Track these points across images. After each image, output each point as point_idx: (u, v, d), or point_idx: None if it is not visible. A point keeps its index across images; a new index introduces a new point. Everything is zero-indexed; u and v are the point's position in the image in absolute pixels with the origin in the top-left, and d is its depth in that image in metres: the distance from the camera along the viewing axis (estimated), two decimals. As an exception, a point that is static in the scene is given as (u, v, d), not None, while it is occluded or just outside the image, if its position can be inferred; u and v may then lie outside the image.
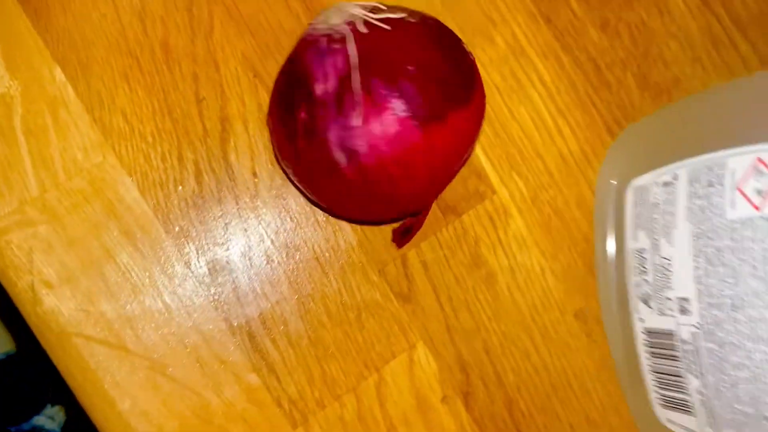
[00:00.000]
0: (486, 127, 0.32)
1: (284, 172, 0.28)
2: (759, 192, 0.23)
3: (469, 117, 0.26)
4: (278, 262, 0.30)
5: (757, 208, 0.23)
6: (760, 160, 0.23)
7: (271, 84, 0.30)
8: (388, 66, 0.24)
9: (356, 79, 0.24)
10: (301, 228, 0.30)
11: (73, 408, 0.67)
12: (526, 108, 0.33)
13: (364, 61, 0.24)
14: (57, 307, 0.28)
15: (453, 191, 0.32)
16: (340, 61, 0.24)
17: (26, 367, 0.68)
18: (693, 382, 0.26)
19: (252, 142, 0.30)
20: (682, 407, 0.27)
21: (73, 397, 0.28)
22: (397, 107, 0.24)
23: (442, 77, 0.25)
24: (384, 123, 0.24)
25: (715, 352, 0.25)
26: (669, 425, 0.28)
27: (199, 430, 0.29)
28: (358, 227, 0.31)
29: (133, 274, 0.29)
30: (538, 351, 0.32)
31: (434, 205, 0.32)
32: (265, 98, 0.30)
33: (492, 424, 0.31)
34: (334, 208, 0.27)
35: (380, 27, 0.25)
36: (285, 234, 0.30)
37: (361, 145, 0.24)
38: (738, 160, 0.24)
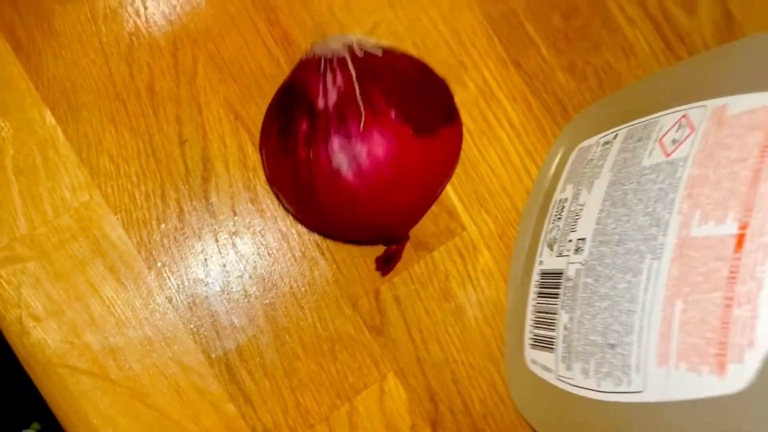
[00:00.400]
0: (457, 167, 0.34)
1: (275, 193, 0.30)
2: (674, 141, 0.24)
3: (454, 135, 0.29)
4: (255, 297, 0.31)
5: (667, 154, 0.24)
6: (685, 116, 0.25)
7: (251, 125, 0.32)
8: (384, 84, 0.27)
9: (357, 92, 0.26)
10: (278, 263, 0.32)
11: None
12: (495, 148, 0.35)
13: (361, 79, 0.26)
14: (44, 339, 0.29)
15: (425, 228, 0.34)
16: (339, 78, 0.27)
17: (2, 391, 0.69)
18: (563, 318, 0.27)
19: (232, 182, 0.32)
20: (547, 345, 0.28)
21: (51, 420, 0.30)
22: (396, 118, 0.26)
23: (431, 96, 0.28)
24: (384, 131, 0.26)
25: (589, 286, 0.26)
26: (531, 366, 0.29)
27: (177, 456, 0.30)
28: (333, 262, 0.32)
29: (116, 307, 0.30)
30: (504, 381, 0.34)
31: (408, 243, 0.33)
32: (246, 140, 0.32)
33: (459, 452, 0.33)
34: (326, 222, 0.28)
35: (373, 53, 0.27)
36: (262, 269, 0.32)
37: (362, 151, 0.26)
38: (667, 118, 0.26)
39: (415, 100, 0.27)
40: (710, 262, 0.21)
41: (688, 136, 0.25)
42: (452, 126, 0.29)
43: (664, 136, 0.26)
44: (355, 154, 0.25)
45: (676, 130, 0.25)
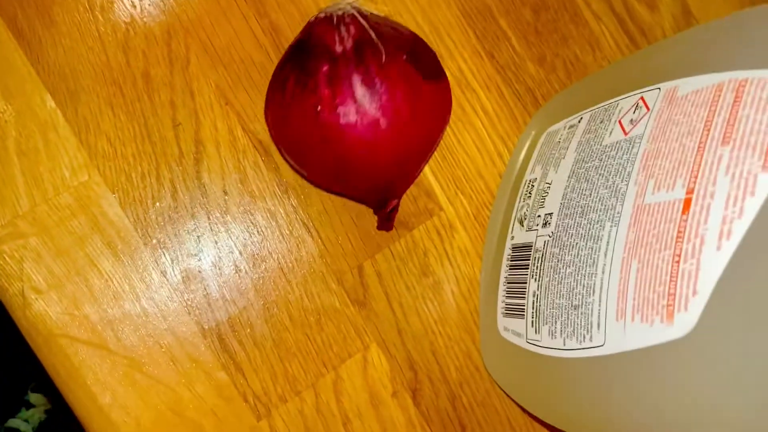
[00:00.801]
0: (435, 152, 0.36)
1: (282, 147, 0.31)
2: (632, 121, 0.27)
3: (447, 88, 0.32)
4: (245, 272, 0.33)
5: (626, 133, 0.27)
6: (642, 99, 0.27)
7: (240, 110, 0.34)
8: (390, 36, 0.30)
9: (373, 35, 0.29)
10: (267, 241, 0.34)
11: (55, 406, 0.70)
12: (470, 134, 0.37)
13: (372, 29, 0.29)
14: (45, 311, 0.31)
15: (405, 208, 0.36)
16: (353, 28, 0.29)
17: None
18: (532, 286, 0.29)
19: (223, 163, 0.33)
20: (518, 312, 0.31)
21: (54, 396, 0.31)
22: (407, 61, 0.29)
23: (427, 52, 0.31)
24: (400, 70, 0.29)
25: (555, 255, 0.28)
26: (503, 333, 0.32)
27: (172, 422, 0.32)
28: (319, 240, 0.34)
29: (114, 281, 0.32)
30: (478, 351, 0.36)
31: (388, 221, 0.36)
32: (236, 124, 0.34)
33: (437, 417, 0.35)
34: (339, 166, 0.30)
35: (375, 14, 0.30)
36: (252, 246, 0.34)
37: (382, 87, 0.28)
38: (626, 101, 0.28)
39: (417, 52, 0.30)
40: (661, 224, 0.23)
41: (643, 116, 0.27)
42: (446, 81, 0.32)
43: (623, 117, 0.28)
44: (377, 89, 0.28)
45: (634, 111, 0.28)
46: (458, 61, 0.37)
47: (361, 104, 0.28)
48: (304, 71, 0.29)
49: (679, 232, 0.23)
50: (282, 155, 0.33)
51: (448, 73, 0.37)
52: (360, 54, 0.28)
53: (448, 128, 0.37)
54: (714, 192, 0.22)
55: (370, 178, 0.30)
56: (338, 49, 0.28)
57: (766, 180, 0.20)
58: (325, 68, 0.28)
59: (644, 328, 0.23)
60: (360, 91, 0.28)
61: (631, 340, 0.24)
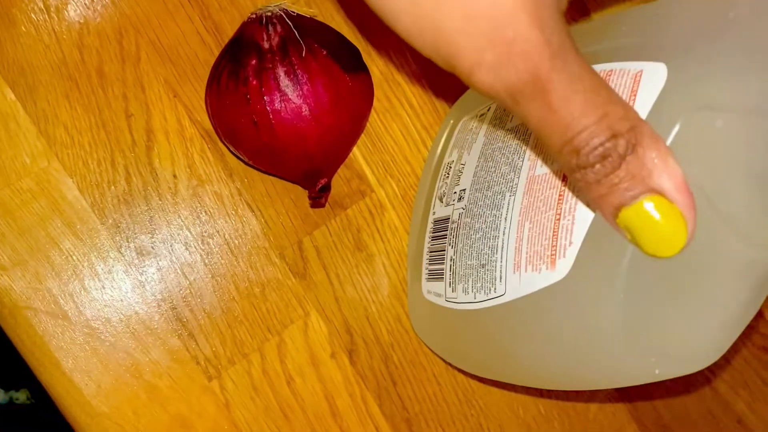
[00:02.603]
0: (365, 139, 0.41)
1: (219, 131, 0.35)
2: None
3: (368, 81, 0.36)
4: (195, 248, 0.37)
5: None
6: None
7: (187, 102, 0.37)
8: (314, 33, 0.34)
9: (296, 33, 0.33)
10: (214, 220, 0.38)
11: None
12: (397, 124, 0.42)
13: (296, 28, 0.34)
14: (10, 286, 0.34)
15: (339, 190, 0.40)
16: (279, 27, 0.33)
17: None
18: (449, 252, 0.34)
19: (172, 150, 0.37)
20: (438, 276, 0.35)
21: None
22: (327, 55, 0.33)
23: (349, 48, 0.36)
24: (320, 63, 0.33)
25: (467, 224, 0.33)
26: (427, 296, 0.36)
27: (130, 384, 0.35)
28: (262, 219, 0.38)
29: (74, 257, 0.35)
30: (407, 315, 0.40)
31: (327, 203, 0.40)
32: (183, 114, 0.37)
33: (371, 375, 0.39)
34: (269, 148, 0.34)
35: (302, 15, 0.35)
36: (200, 225, 0.37)
37: (303, 77, 0.32)
38: None
39: (338, 48, 0.34)
40: (547, 191, 0.28)
41: (537, 103, 0.32)
42: (367, 74, 0.37)
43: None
44: (299, 79, 0.32)
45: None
46: (385, 58, 0.42)
47: (285, 93, 0.32)
48: (236, 65, 0.33)
49: (560, 195, 0.28)
50: (221, 141, 0.37)
51: (376, 70, 0.41)
52: (284, 50, 0.32)
53: (377, 118, 0.41)
54: (585, 161, 0.27)
55: (299, 160, 0.34)
56: (266, 45, 0.32)
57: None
58: (253, 62, 0.32)
59: (534, 276, 0.28)
60: (284, 81, 0.32)
61: (524, 286, 0.29)
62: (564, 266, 0.27)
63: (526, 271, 0.29)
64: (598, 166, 0.21)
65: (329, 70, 0.33)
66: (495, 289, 0.31)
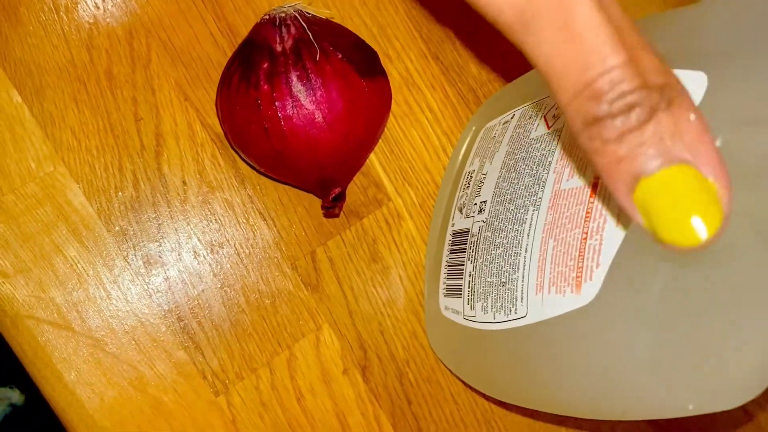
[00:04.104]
0: (383, 146, 0.39)
1: (230, 137, 0.34)
2: (554, 116, 0.30)
3: (386, 85, 0.35)
4: (204, 257, 0.36)
5: (549, 127, 0.30)
6: None
7: (199, 106, 0.36)
8: (329, 36, 0.32)
9: (311, 35, 0.31)
10: (224, 228, 0.36)
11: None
12: (416, 130, 0.40)
13: (311, 30, 0.32)
14: (12, 294, 0.33)
15: (355, 198, 0.38)
16: (293, 29, 0.32)
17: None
18: (468, 267, 0.32)
19: (182, 155, 0.36)
20: (456, 292, 0.33)
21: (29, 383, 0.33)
22: (342, 59, 0.32)
23: (366, 51, 0.34)
24: (334, 67, 0.31)
25: (488, 238, 0.31)
26: (444, 312, 0.34)
27: (134, 398, 0.34)
28: (274, 227, 0.37)
29: (78, 266, 0.34)
30: (424, 331, 0.39)
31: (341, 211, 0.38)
32: (194, 118, 0.36)
33: (385, 393, 0.38)
34: (281, 155, 0.32)
35: (318, 16, 0.33)
36: (210, 233, 0.36)
37: (317, 82, 0.31)
38: (550, 100, 0.32)
39: (354, 51, 0.32)
40: (573, 207, 0.26)
41: (564, 111, 0.30)
42: (384, 78, 0.35)
43: (547, 113, 0.31)
44: (312, 84, 0.30)
45: (556, 108, 0.31)
46: (405, 62, 0.40)
47: (297, 98, 0.30)
48: (247, 68, 0.31)
49: (587, 213, 0.26)
50: (231, 146, 0.36)
51: (395, 73, 0.40)
52: (298, 53, 0.31)
53: (395, 123, 0.39)
54: (615, 177, 0.25)
55: (311, 168, 0.32)
56: (278, 48, 0.31)
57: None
58: (265, 65, 0.31)
59: (558, 299, 0.26)
60: (296, 86, 0.30)
61: (548, 309, 0.27)
62: (590, 290, 0.25)
63: (549, 292, 0.27)
64: (621, 118, 0.16)
65: (344, 75, 0.31)
66: (516, 310, 0.29)
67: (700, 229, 0.17)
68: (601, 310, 0.24)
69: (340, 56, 0.31)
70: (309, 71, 0.30)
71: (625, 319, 0.23)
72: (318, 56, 0.31)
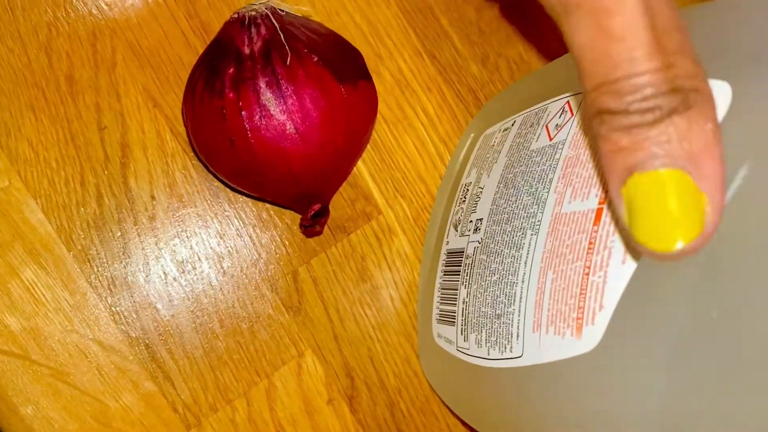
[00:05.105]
0: (372, 154, 0.36)
1: (196, 148, 0.30)
2: (557, 126, 0.26)
3: (371, 90, 0.31)
4: (174, 278, 0.33)
5: (551, 138, 0.26)
6: (568, 103, 0.27)
7: (169, 112, 0.33)
8: (305, 37, 0.29)
9: (282, 37, 0.28)
10: (196, 246, 0.33)
11: None
12: (410, 137, 0.36)
13: (284, 30, 0.28)
14: (-37, 321, 0.30)
15: (342, 212, 0.35)
16: (264, 29, 0.28)
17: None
18: (462, 293, 0.29)
19: (151, 167, 0.33)
20: (449, 319, 0.30)
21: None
22: (318, 62, 0.28)
23: (346, 56, 0.30)
24: (308, 72, 0.28)
25: (483, 261, 0.28)
26: (437, 340, 0.31)
27: (98, 433, 0.31)
28: (252, 244, 0.34)
29: (36, 289, 0.31)
30: (418, 357, 0.35)
31: (326, 226, 0.35)
32: (164, 126, 0.33)
33: (375, 425, 0.35)
34: (250, 169, 0.29)
35: (293, 14, 0.30)
36: (181, 252, 0.33)
37: (288, 89, 0.27)
38: (554, 105, 0.28)
39: (334, 54, 0.29)
40: (575, 234, 0.23)
41: (568, 121, 0.26)
42: (368, 82, 0.31)
43: (550, 121, 0.28)
44: (282, 92, 0.27)
45: (560, 116, 0.27)
46: (398, 61, 0.36)
47: (266, 108, 0.27)
48: (212, 73, 0.28)
49: (590, 243, 0.22)
50: (199, 159, 0.32)
51: (387, 74, 0.36)
52: (267, 56, 0.27)
53: (386, 129, 0.36)
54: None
55: (285, 183, 0.29)
56: (246, 50, 0.27)
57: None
58: (230, 70, 0.27)
59: (557, 341, 0.23)
60: (265, 94, 0.27)
61: (545, 352, 0.23)
62: (592, 335, 0.21)
63: (547, 332, 0.23)
64: (636, 116, 0.17)
65: (320, 80, 0.28)
66: (511, 348, 0.25)
67: (674, 236, 0.17)
68: (604, 359, 0.21)
69: (315, 59, 0.28)
70: (279, 77, 0.27)
71: (632, 371, 0.20)
72: (289, 60, 0.27)
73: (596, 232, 0.22)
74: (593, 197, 0.23)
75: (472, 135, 0.35)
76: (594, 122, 0.18)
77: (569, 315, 0.22)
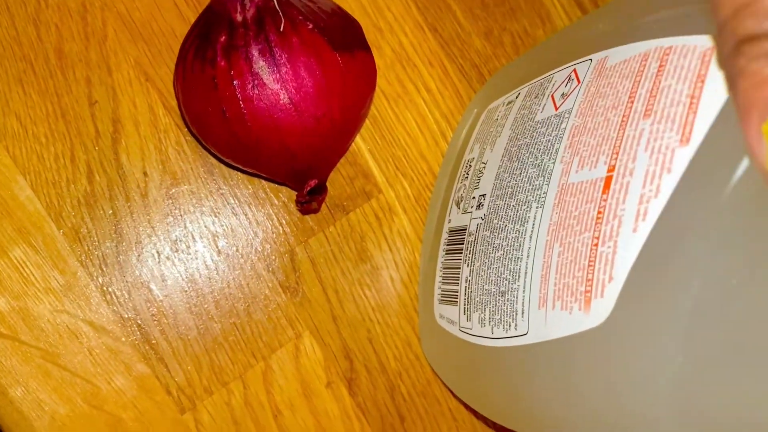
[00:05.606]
0: (372, 131, 0.35)
1: (188, 120, 0.29)
2: (563, 95, 0.25)
3: (369, 61, 0.30)
4: (167, 258, 0.32)
5: (556, 108, 0.25)
6: (575, 71, 0.26)
7: (161, 86, 0.32)
8: (300, 4, 0.28)
9: (276, 3, 0.27)
10: (190, 225, 0.32)
11: None
12: (411, 113, 0.35)
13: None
14: (-51, 301, 0.29)
15: (341, 190, 0.34)
16: None
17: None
18: (465, 271, 0.28)
19: (143, 143, 0.32)
20: (451, 298, 0.29)
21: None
22: (313, 30, 0.27)
23: (344, 24, 0.29)
24: (303, 39, 0.26)
25: (486, 238, 0.27)
26: (439, 321, 0.30)
27: (89, 416, 0.30)
28: (248, 223, 0.33)
29: (25, 269, 0.30)
30: (419, 339, 0.34)
31: (324, 205, 0.34)
32: (157, 101, 0.32)
33: (374, 408, 0.34)
34: (243, 143, 0.28)
35: None
36: (174, 231, 0.32)
37: (282, 56, 0.26)
38: (560, 74, 0.27)
39: (331, 22, 0.28)
40: (583, 205, 0.22)
41: (574, 89, 0.25)
42: (367, 53, 0.30)
43: (555, 91, 0.27)
44: (276, 60, 0.26)
45: (566, 85, 0.26)
46: (399, 35, 0.35)
47: (259, 76, 0.26)
48: (204, 42, 0.27)
49: (599, 212, 0.21)
50: (191, 133, 0.31)
51: (387, 48, 0.35)
52: (260, 23, 0.26)
53: (387, 105, 0.35)
54: (633, 169, 0.20)
55: (280, 157, 0.28)
56: (239, 17, 0.26)
57: (682, 155, 0.19)
58: (222, 38, 0.26)
59: (564, 317, 0.22)
60: (258, 62, 0.26)
61: (552, 328, 0.22)
62: (601, 309, 0.20)
63: (553, 308, 0.22)
64: None
65: (315, 48, 0.27)
66: (516, 326, 0.24)
67: None
68: (614, 333, 0.20)
69: (310, 26, 0.27)
70: (272, 44, 0.26)
71: (644, 347, 0.19)
72: (283, 26, 0.26)
73: (605, 200, 0.21)
74: (602, 165, 0.22)
75: (475, 110, 0.34)
76: (731, 59, 0.16)
77: (577, 288, 0.21)
